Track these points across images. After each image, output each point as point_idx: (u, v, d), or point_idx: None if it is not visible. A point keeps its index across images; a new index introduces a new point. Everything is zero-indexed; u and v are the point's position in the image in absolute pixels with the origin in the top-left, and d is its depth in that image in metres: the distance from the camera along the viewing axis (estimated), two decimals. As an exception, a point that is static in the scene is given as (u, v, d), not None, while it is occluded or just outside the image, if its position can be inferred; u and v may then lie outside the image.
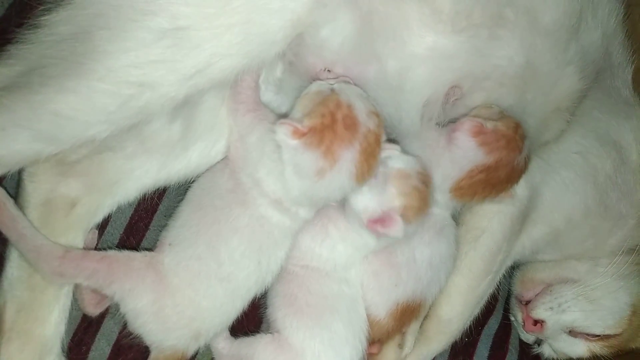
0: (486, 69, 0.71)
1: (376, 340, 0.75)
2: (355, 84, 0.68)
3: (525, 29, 0.70)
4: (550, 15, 0.71)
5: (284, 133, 0.61)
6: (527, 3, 0.70)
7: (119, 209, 0.73)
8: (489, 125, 0.71)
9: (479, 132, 0.71)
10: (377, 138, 0.63)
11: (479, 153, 0.71)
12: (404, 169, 0.68)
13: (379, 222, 0.66)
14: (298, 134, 0.61)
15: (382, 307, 0.73)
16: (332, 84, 0.65)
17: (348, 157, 0.61)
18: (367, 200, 0.67)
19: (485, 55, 0.70)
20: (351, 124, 0.61)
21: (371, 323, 0.73)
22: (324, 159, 0.61)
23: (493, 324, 0.96)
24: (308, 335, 0.68)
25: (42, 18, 0.59)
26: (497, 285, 0.86)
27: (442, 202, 0.76)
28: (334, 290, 0.70)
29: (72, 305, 0.68)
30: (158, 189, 0.74)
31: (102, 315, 0.71)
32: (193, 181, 0.73)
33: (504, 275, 0.87)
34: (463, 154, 0.71)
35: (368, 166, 0.63)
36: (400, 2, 0.65)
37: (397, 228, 0.66)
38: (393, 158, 0.68)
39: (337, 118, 0.61)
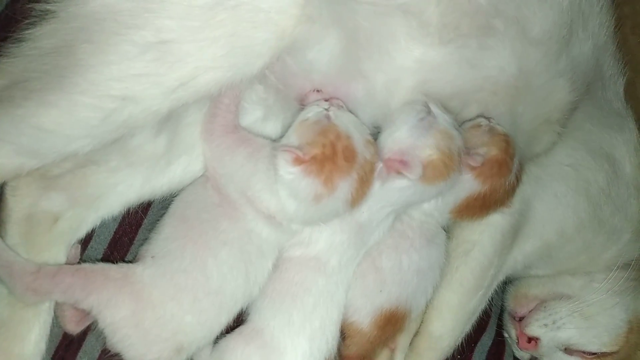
0: (477, 79, 0.71)
1: (360, 353, 0.73)
2: (345, 105, 0.69)
3: (516, 39, 0.70)
4: (540, 26, 0.71)
5: (284, 159, 0.63)
6: (516, 14, 0.69)
7: (103, 224, 0.72)
8: (481, 151, 0.71)
9: (475, 167, 0.72)
10: (372, 167, 0.66)
11: (474, 183, 0.73)
12: (451, 131, 0.68)
13: (399, 162, 0.66)
14: (298, 161, 0.63)
15: (366, 313, 0.72)
16: (326, 109, 0.67)
17: (346, 186, 0.64)
18: (400, 139, 0.68)
19: (476, 66, 0.70)
20: (350, 156, 0.64)
21: (354, 332, 0.72)
22: (323, 187, 0.63)
23: (486, 341, 0.94)
24: (268, 317, 0.68)
25: (26, 32, 0.60)
26: (490, 301, 0.85)
27: (437, 216, 0.76)
28: (306, 280, 0.69)
29: (53, 322, 0.67)
30: (142, 203, 0.74)
31: (84, 333, 0.70)
32: (177, 195, 0.72)
33: (497, 290, 0.86)
34: (460, 185, 0.72)
35: (363, 192, 0.66)
36: (386, 17, 0.65)
37: (416, 171, 0.66)
38: (445, 118, 0.69)
39: (337, 150, 0.64)
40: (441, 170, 0.67)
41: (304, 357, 0.67)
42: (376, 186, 0.68)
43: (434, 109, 0.69)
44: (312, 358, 0.67)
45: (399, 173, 0.67)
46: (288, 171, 0.63)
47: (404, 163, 0.67)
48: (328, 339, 0.68)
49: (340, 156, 0.64)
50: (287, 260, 0.70)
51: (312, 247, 0.69)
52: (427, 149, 0.67)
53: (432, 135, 0.68)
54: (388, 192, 0.68)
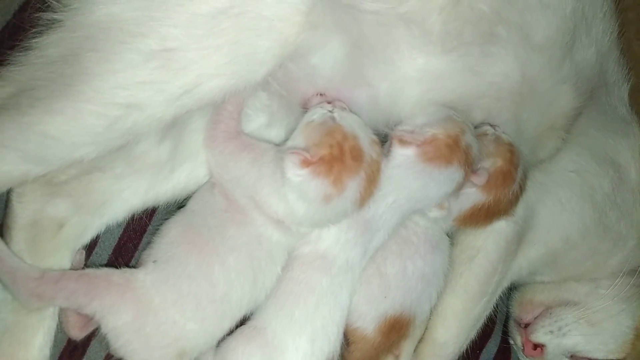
0: (481, 86, 0.71)
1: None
2: (348, 106, 0.69)
3: (519, 46, 0.70)
4: (543, 33, 0.71)
5: (292, 162, 0.63)
6: (519, 20, 0.69)
7: (108, 230, 0.73)
8: (486, 164, 0.72)
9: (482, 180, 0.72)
10: (378, 166, 0.67)
11: (479, 194, 0.73)
12: (465, 127, 0.69)
13: (399, 138, 0.67)
14: (306, 163, 0.63)
15: (370, 319, 0.72)
16: (331, 111, 0.67)
17: (354, 185, 0.65)
18: (415, 121, 0.69)
19: (479, 73, 0.70)
20: (358, 155, 0.65)
21: (358, 337, 0.72)
22: (332, 187, 0.64)
23: (491, 348, 0.94)
24: (271, 316, 0.68)
25: (33, 40, 0.60)
26: (495, 307, 0.84)
27: (441, 223, 0.76)
28: (311, 279, 0.68)
29: (57, 328, 0.67)
30: (147, 209, 0.74)
31: (88, 339, 0.69)
32: (182, 202, 0.73)
33: (502, 296, 0.86)
34: (464, 195, 0.72)
35: (370, 191, 0.67)
36: (389, 26, 0.65)
37: (417, 138, 0.67)
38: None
39: (345, 150, 0.64)
40: (443, 150, 0.67)
41: (305, 356, 0.66)
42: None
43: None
44: (314, 358, 0.67)
45: (401, 142, 0.67)
46: (296, 173, 0.63)
47: (408, 134, 0.67)
48: (330, 340, 0.68)
49: (348, 156, 0.64)
50: (294, 259, 0.70)
51: (320, 244, 0.69)
52: (435, 128, 0.68)
53: (445, 120, 0.68)
54: (388, 172, 0.68)
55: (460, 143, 0.68)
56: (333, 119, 0.66)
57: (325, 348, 0.67)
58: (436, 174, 0.68)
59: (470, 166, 0.69)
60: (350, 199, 0.65)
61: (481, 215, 0.74)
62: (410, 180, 0.68)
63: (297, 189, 0.64)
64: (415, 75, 0.68)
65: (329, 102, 0.68)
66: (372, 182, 0.66)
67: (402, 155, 0.68)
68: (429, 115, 0.70)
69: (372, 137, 0.67)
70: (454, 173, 0.68)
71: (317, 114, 0.67)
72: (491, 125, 0.74)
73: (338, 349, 0.69)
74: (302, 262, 0.69)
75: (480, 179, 0.71)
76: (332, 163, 0.63)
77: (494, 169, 0.72)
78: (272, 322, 0.67)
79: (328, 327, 0.68)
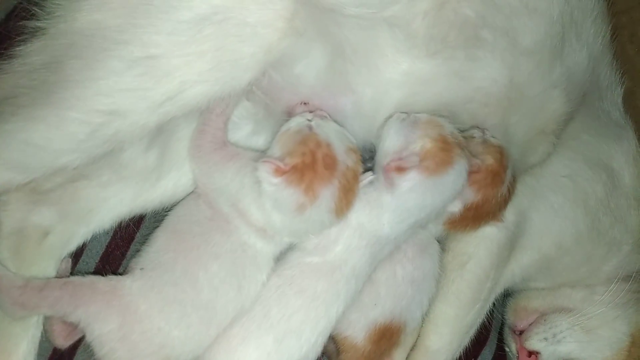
0: (468, 91, 0.70)
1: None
2: (331, 117, 0.69)
3: (506, 50, 0.69)
4: (531, 37, 0.70)
5: (265, 171, 0.63)
6: (506, 24, 0.69)
7: (95, 238, 0.72)
8: (478, 161, 0.71)
9: (472, 172, 0.70)
10: (355, 174, 0.66)
11: (468, 191, 0.72)
12: (437, 120, 0.68)
13: (396, 168, 0.66)
14: (280, 172, 0.62)
15: (360, 327, 0.71)
16: (310, 120, 0.67)
17: (327, 194, 0.64)
18: (390, 144, 0.68)
19: (465, 78, 0.69)
20: (330, 163, 0.64)
21: (348, 346, 0.71)
22: (304, 196, 0.63)
23: (487, 355, 0.93)
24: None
25: (17, 48, 0.60)
26: (490, 314, 0.84)
27: (431, 227, 0.75)
28: (304, 281, 0.66)
29: (42, 337, 0.67)
30: (134, 217, 0.74)
31: (74, 347, 0.69)
32: (170, 209, 0.73)
33: (497, 303, 0.85)
34: None
35: (347, 201, 0.65)
36: (372, 30, 0.65)
37: (413, 159, 0.65)
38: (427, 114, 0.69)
39: (317, 157, 0.63)
40: (441, 156, 0.66)
41: (266, 355, 0.64)
42: (388, 200, 0.67)
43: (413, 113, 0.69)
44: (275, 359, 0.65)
45: (399, 171, 0.66)
46: (270, 182, 0.63)
47: (400, 160, 0.66)
48: (302, 346, 0.65)
49: (320, 164, 0.63)
50: (296, 258, 0.68)
51: (329, 247, 0.67)
52: (418, 140, 0.66)
53: (418, 128, 0.67)
54: (401, 199, 0.67)
55: (447, 138, 0.67)
56: (310, 127, 0.65)
57: (293, 353, 0.65)
58: (447, 177, 0.67)
59: (465, 148, 0.68)
60: (324, 208, 0.64)
61: (470, 217, 0.73)
62: (427, 198, 0.67)
63: (271, 198, 0.64)
64: (399, 79, 0.67)
65: (311, 112, 0.68)
66: (348, 192, 0.65)
67: (407, 181, 0.66)
68: (396, 134, 0.68)
69: (349, 145, 0.66)
70: (461, 166, 0.68)
71: (294, 122, 0.66)
72: (480, 129, 0.74)
73: (314, 358, 0.67)
74: (303, 262, 0.68)
75: (475, 164, 0.70)
76: (303, 171, 0.63)
77: (484, 165, 0.71)
78: (245, 315, 0.66)
79: (305, 332, 0.66)
